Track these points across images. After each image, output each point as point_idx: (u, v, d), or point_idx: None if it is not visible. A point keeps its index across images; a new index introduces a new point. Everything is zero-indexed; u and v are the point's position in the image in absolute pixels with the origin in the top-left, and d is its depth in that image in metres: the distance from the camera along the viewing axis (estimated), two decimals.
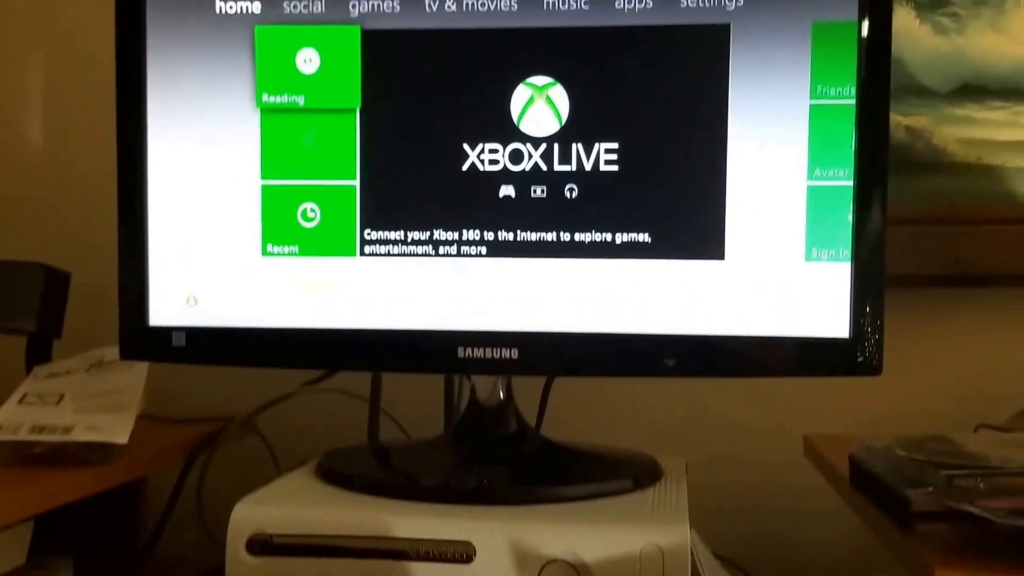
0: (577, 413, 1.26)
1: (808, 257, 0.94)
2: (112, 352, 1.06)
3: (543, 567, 0.83)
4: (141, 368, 1.09)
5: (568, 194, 0.96)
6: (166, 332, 1.00)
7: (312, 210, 0.98)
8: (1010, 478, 0.77)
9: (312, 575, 0.85)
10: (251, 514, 0.87)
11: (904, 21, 1.26)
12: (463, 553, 0.83)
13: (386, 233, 0.98)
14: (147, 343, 1.01)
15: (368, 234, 0.98)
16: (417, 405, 1.18)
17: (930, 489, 0.76)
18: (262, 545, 0.86)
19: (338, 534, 0.86)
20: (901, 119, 1.27)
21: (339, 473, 0.97)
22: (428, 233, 0.97)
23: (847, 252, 0.94)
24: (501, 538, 0.84)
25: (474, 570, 0.83)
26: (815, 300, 0.94)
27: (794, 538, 1.30)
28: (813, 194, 0.94)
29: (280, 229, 0.98)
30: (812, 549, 1.29)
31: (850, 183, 0.93)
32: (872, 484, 0.86)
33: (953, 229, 1.25)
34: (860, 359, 0.94)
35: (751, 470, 1.31)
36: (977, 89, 1.28)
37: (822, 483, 1.05)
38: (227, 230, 0.99)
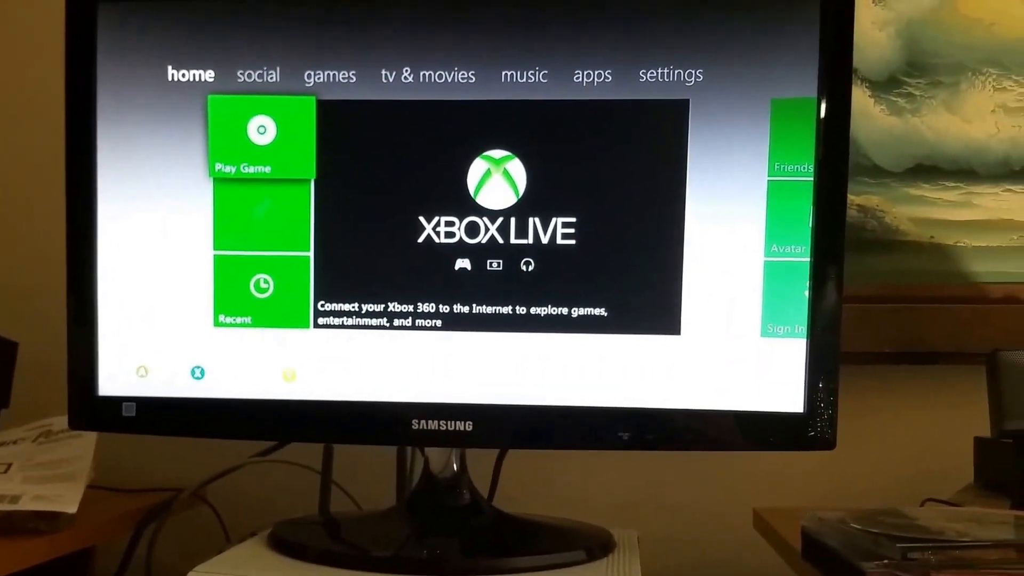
0: (529, 486, 1.25)
1: (764, 332, 0.94)
2: (61, 422, 1.05)
3: None
4: (90, 438, 1.07)
5: (524, 267, 0.95)
6: (116, 402, 0.99)
7: (265, 281, 0.97)
8: (964, 551, 0.78)
9: None
10: None
11: (859, 100, 1.27)
12: None
13: (340, 305, 0.97)
14: (96, 413, 1.00)
15: (322, 306, 0.97)
16: (369, 477, 1.17)
17: (885, 562, 0.77)
18: None
19: None
20: (854, 198, 1.27)
21: (292, 543, 0.96)
22: (383, 305, 0.96)
23: (803, 328, 0.94)
24: None
25: None
26: (770, 375, 0.94)
27: None
28: (770, 270, 0.94)
29: (233, 299, 0.97)
30: None
31: (807, 259, 0.93)
32: (825, 556, 0.86)
33: (905, 307, 1.26)
34: (813, 433, 0.94)
35: (702, 544, 1.31)
36: (931, 169, 1.29)
37: (772, 557, 1.05)
38: (179, 300, 0.98)
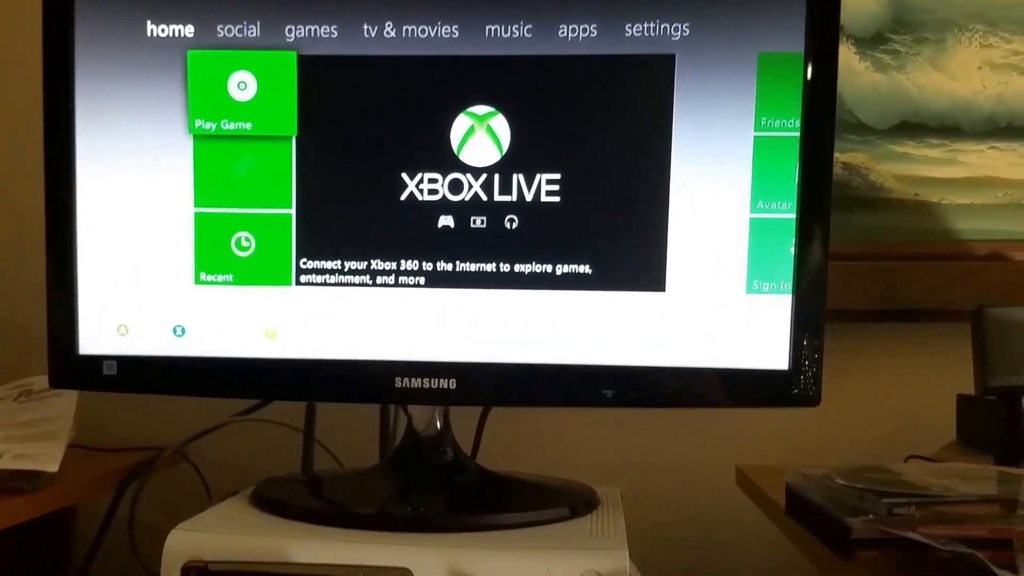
0: (513, 444, 1.25)
1: (749, 289, 0.94)
2: (41, 381, 1.04)
3: None
4: (71, 397, 1.07)
5: (508, 225, 0.95)
6: (96, 361, 0.98)
7: (247, 239, 0.96)
8: (949, 506, 0.78)
9: None
10: (186, 541, 0.86)
11: (844, 57, 1.26)
12: None
13: (322, 262, 0.96)
14: (77, 372, 0.99)
15: (304, 263, 0.96)
16: (352, 435, 1.16)
17: (870, 517, 0.77)
18: (197, 572, 0.84)
19: (274, 560, 0.84)
20: (839, 155, 1.26)
21: (275, 501, 0.96)
22: (365, 263, 0.96)
23: (788, 284, 0.93)
24: (439, 565, 0.83)
25: None
26: (755, 332, 0.94)
27: (729, 568, 1.31)
28: (756, 226, 0.93)
29: (214, 257, 0.97)
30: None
31: (793, 216, 0.93)
32: (810, 512, 0.86)
33: (888, 264, 1.25)
34: (798, 391, 0.94)
35: (686, 501, 1.31)
36: (915, 126, 1.28)
37: (756, 514, 1.05)
38: (159, 258, 0.97)
